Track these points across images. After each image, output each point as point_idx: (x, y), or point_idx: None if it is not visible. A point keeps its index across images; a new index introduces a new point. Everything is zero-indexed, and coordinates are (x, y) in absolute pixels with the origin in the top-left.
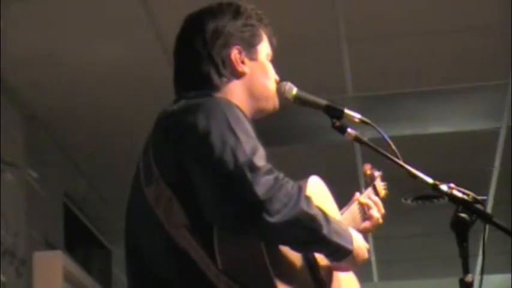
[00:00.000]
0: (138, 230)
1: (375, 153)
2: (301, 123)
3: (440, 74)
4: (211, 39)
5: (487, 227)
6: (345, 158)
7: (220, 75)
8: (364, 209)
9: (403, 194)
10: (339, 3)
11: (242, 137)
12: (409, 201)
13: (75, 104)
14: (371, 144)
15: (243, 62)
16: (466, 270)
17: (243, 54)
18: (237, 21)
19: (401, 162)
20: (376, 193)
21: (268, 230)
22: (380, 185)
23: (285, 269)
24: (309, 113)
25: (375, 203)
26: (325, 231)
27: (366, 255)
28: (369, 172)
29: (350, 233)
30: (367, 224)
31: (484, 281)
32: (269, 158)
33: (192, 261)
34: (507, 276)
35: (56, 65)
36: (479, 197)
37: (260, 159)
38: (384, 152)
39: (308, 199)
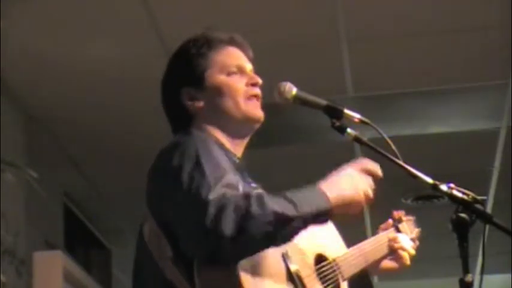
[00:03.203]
0: (138, 264)
1: (375, 153)
2: (301, 123)
3: (440, 74)
4: (167, 98)
5: (487, 227)
6: (345, 158)
7: (187, 119)
8: (382, 245)
9: (403, 194)
10: (339, 3)
11: (208, 170)
12: (409, 201)
13: (75, 104)
14: (371, 144)
15: (195, 98)
16: (466, 270)
17: (192, 92)
18: (176, 64)
19: (401, 162)
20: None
21: (232, 245)
22: (407, 227)
23: None
24: (308, 113)
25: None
26: (290, 212)
27: (357, 195)
28: (397, 216)
29: (321, 191)
30: (393, 264)
31: (484, 281)
32: (269, 158)
33: None
34: (507, 276)
35: (55, 65)
36: (479, 197)
37: (216, 191)
38: (384, 152)
39: (260, 197)
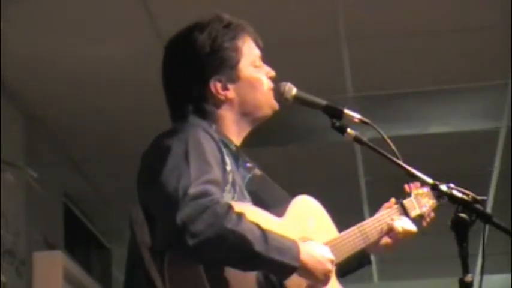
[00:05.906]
0: (128, 249)
1: (375, 153)
2: (301, 123)
3: (440, 74)
4: (188, 80)
5: (487, 227)
6: (345, 158)
7: (204, 111)
8: (382, 225)
9: (403, 194)
10: (339, 3)
11: (194, 163)
12: None
13: (75, 104)
14: (371, 144)
15: (226, 89)
16: (466, 270)
17: (224, 80)
18: (207, 50)
19: (401, 162)
20: (406, 212)
21: (192, 250)
22: (416, 203)
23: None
24: (308, 113)
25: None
26: (258, 247)
27: (326, 266)
28: (408, 190)
29: (297, 248)
30: (388, 240)
31: (484, 281)
32: (269, 158)
33: (152, 280)
34: (507, 276)
35: (55, 65)
36: (479, 197)
37: (198, 186)
38: (384, 152)
39: (240, 217)
